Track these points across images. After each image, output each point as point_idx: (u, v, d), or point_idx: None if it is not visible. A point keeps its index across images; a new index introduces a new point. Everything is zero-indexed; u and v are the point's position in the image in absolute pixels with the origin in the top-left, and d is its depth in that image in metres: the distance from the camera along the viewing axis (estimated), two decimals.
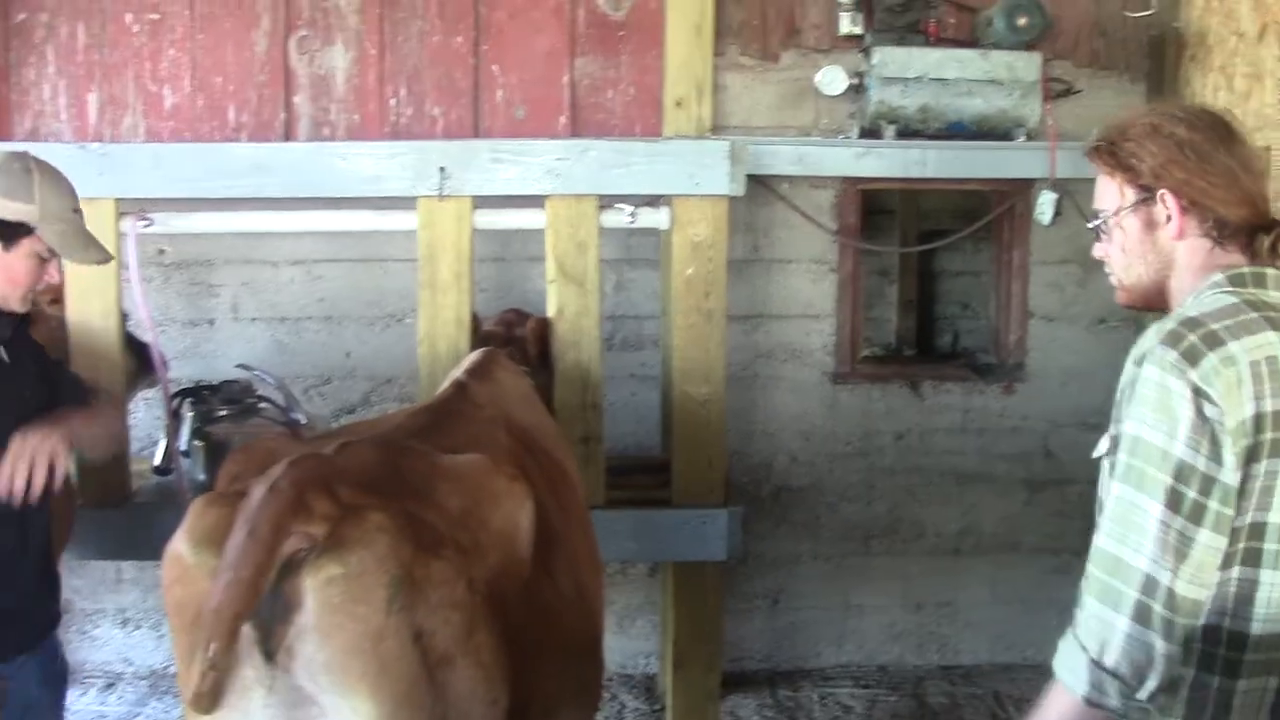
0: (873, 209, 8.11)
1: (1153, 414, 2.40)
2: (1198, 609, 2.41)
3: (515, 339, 5.04)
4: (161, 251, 5.92)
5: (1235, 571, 2.43)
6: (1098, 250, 2.78)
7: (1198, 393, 2.37)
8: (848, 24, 5.94)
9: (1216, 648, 2.47)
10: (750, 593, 6.44)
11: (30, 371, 3.85)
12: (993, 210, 6.40)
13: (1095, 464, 6.33)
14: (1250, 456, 2.39)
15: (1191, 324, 2.45)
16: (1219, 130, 2.62)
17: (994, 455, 6.44)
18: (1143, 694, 2.38)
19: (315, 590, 2.50)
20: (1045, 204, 6.00)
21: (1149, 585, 2.36)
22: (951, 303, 9.25)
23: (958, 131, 5.87)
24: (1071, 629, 2.48)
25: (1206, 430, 2.37)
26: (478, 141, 5.35)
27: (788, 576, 6.45)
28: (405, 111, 5.70)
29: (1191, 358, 2.40)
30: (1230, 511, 2.38)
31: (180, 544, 2.63)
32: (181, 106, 5.62)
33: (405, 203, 5.19)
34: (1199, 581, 2.39)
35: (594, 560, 3.83)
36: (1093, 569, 2.46)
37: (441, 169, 5.12)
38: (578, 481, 4.00)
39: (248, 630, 2.49)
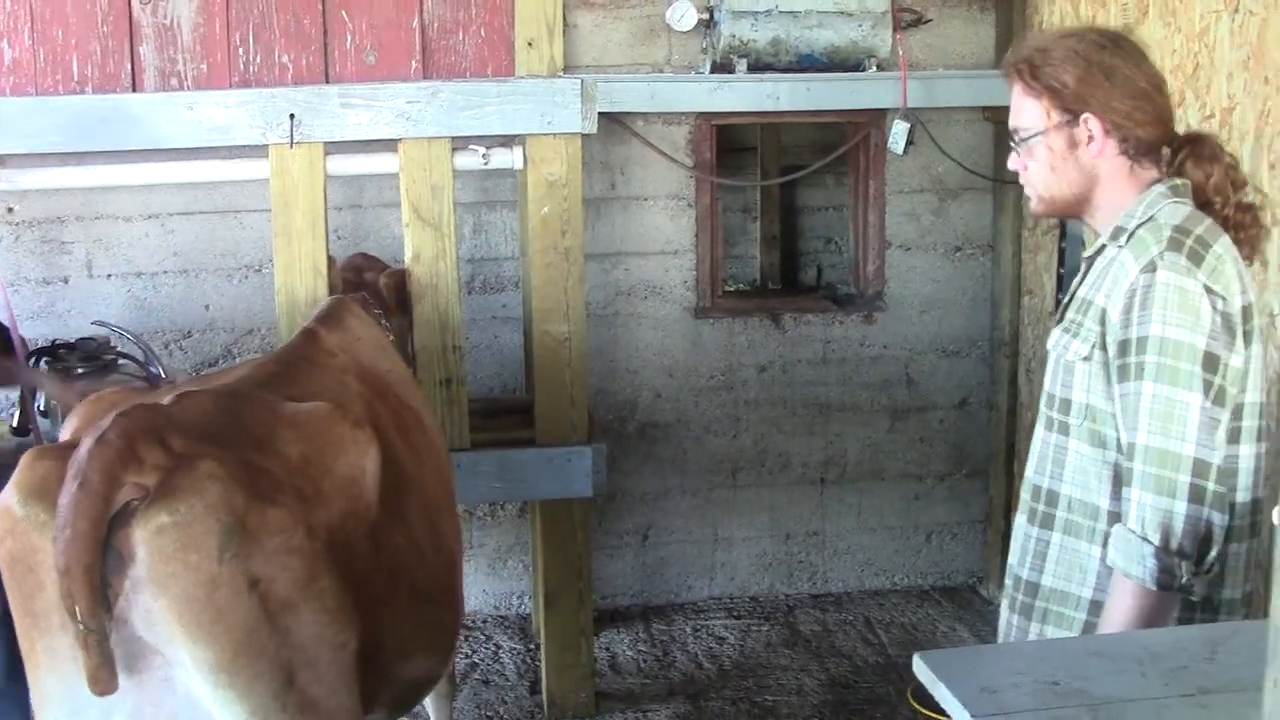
0: (734, 146, 8.16)
1: (1177, 314, 2.59)
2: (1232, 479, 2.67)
3: (366, 284, 5.02)
4: (10, 210, 5.80)
5: (1229, 448, 2.66)
6: (1013, 163, 2.94)
7: (1208, 290, 2.60)
8: None
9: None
10: (620, 529, 6.48)
11: None
12: (848, 142, 6.45)
13: (955, 390, 6.45)
14: (1244, 343, 2.65)
15: (1183, 230, 2.67)
16: (1133, 52, 2.81)
17: (856, 384, 6.51)
18: (1206, 565, 2.60)
19: (147, 540, 2.49)
20: (898, 134, 6.04)
21: (1200, 468, 2.59)
22: (814, 237, 9.32)
23: (809, 64, 5.89)
24: (1121, 529, 2.65)
25: (1221, 322, 2.60)
26: (327, 87, 5.29)
27: (656, 512, 6.49)
28: (254, 60, 5.62)
29: (1196, 259, 2.63)
30: (1235, 391, 2.64)
31: (9, 497, 2.61)
32: (22, 61, 5.49)
33: (257, 151, 5.14)
34: (1221, 455, 2.62)
35: (450, 505, 3.84)
36: (1141, 466, 2.61)
37: (291, 116, 5.07)
38: (434, 426, 4.00)
39: None
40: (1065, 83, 2.76)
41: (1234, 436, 2.67)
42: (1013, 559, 3.02)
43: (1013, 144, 2.91)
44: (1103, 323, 2.71)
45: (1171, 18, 4.70)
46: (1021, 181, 2.94)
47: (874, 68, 5.92)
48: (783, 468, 6.54)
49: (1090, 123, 2.76)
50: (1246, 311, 2.67)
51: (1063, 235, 5.73)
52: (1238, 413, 2.67)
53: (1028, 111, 2.84)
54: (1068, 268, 5.63)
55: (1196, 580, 2.61)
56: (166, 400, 2.81)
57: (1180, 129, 2.93)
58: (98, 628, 2.45)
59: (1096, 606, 2.79)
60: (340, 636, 2.83)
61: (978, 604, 6.62)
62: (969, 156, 6.31)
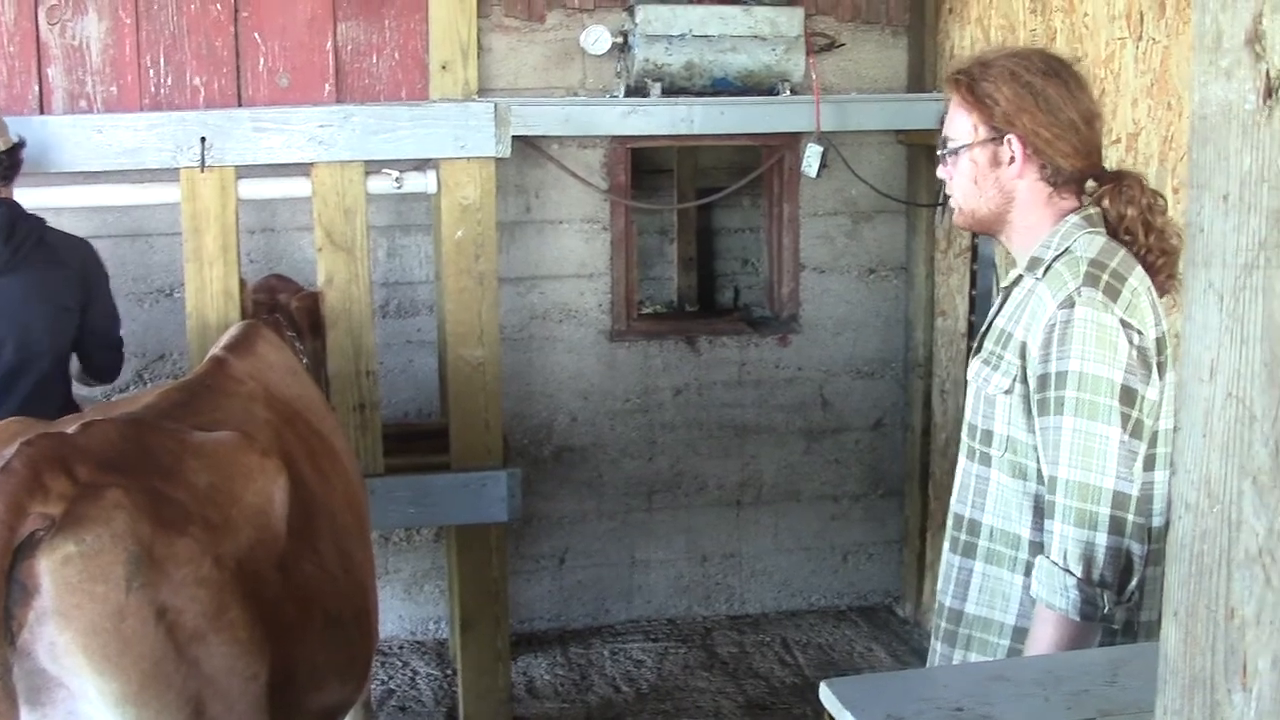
0: (650, 168, 8.18)
1: (1095, 349, 2.61)
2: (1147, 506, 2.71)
3: (279, 305, 5.00)
4: None
5: (1145, 475, 2.69)
6: (941, 172, 2.96)
7: (1125, 324, 2.63)
8: None
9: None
10: (537, 553, 6.46)
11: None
12: (762, 165, 6.48)
13: (870, 411, 6.48)
14: (1158, 374, 2.68)
15: (1098, 265, 2.69)
16: (1071, 82, 2.83)
17: (772, 406, 6.54)
18: (1127, 594, 2.65)
19: (52, 571, 2.47)
20: (812, 157, 6.07)
21: (1120, 500, 2.62)
22: (731, 259, 9.37)
23: (723, 88, 5.91)
24: (1044, 561, 2.67)
25: (1137, 356, 2.63)
26: (239, 110, 5.25)
27: (573, 535, 6.48)
28: (165, 82, 5.56)
29: (1112, 294, 2.65)
30: (1150, 422, 2.67)
31: None
32: None
33: (168, 174, 5.11)
34: (1139, 486, 2.67)
35: (363, 531, 3.82)
36: (1062, 499, 2.65)
37: (203, 139, 5.06)
38: (345, 452, 3.98)
39: None
40: (997, 100, 2.78)
41: (1149, 464, 2.70)
42: (938, 587, 3.05)
43: (940, 152, 2.94)
44: (1023, 356, 2.74)
45: (1079, 44, 4.77)
46: (947, 190, 2.98)
47: (787, 91, 5.96)
48: (699, 490, 6.56)
49: (1013, 144, 2.78)
50: (1160, 343, 2.70)
51: (974, 257, 5.79)
52: (1153, 440, 2.70)
53: (958, 123, 2.87)
54: (980, 289, 5.69)
55: (1118, 609, 2.65)
56: (72, 429, 2.78)
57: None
58: (0, 661, 2.42)
59: (1020, 633, 2.82)
60: (251, 667, 2.81)
61: (894, 624, 6.66)
62: (882, 179, 6.36)
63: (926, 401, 6.46)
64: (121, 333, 5.01)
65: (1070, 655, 2.56)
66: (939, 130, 2.95)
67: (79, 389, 5.07)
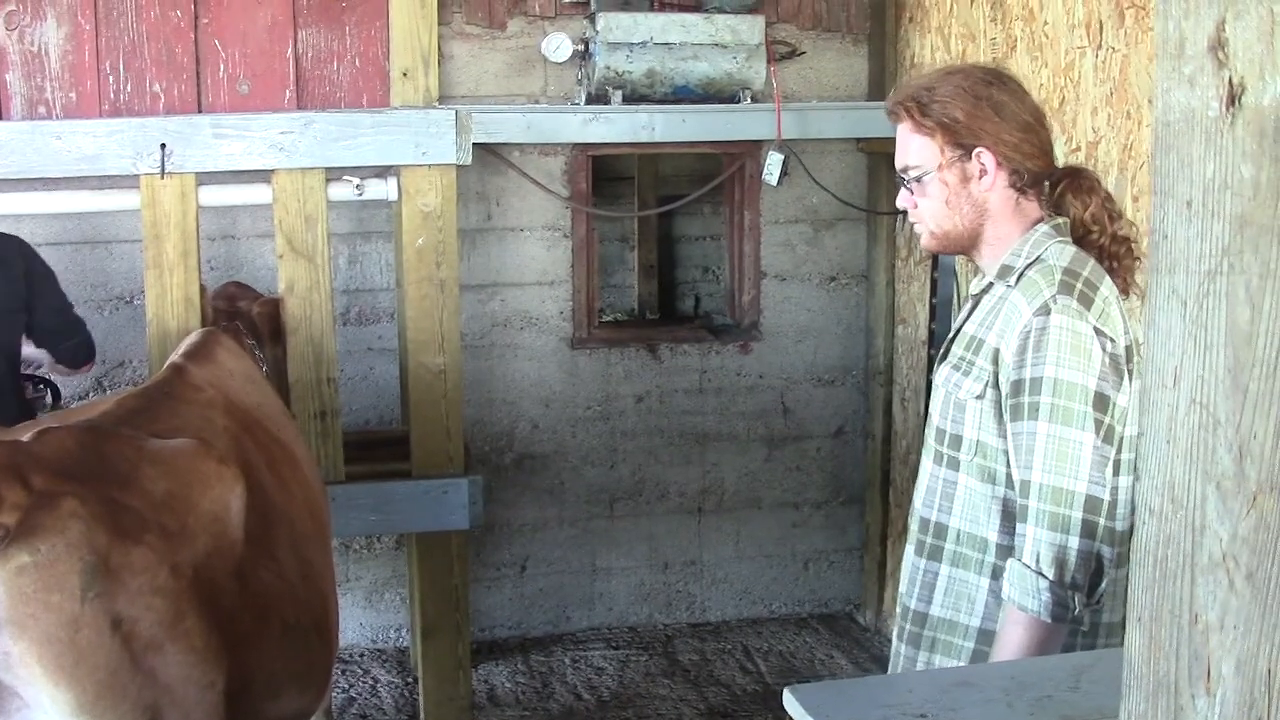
0: (612, 176, 8.18)
1: (1070, 356, 2.65)
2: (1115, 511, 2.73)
3: (239, 312, 4.98)
4: None
5: (1111, 480, 2.72)
6: (903, 200, 2.97)
7: (1098, 332, 2.67)
8: None
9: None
10: (498, 561, 6.44)
11: None
12: (723, 173, 6.49)
13: (831, 418, 6.48)
14: (1128, 381, 2.72)
15: (1072, 274, 2.73)
16: (1015, 88, 2.88)
17: (733, 414, 6.54)
18: (1096, 597, 2.69)
19: (6, 581, 2.44)
20: (773, 165, 6.08)
21: (1091, 504, 2.67)
22: (692, 267, 9.37)
23: (684, 95, 5.91)
24: (1016, 563, 2.70)
25: (1110, 363, 2.67)
26: (199, 117, 5.23)
27: (535, 543, 6.47)
28: (125, 88, 5.53)
29: (1086, 302, 2.69)
30: (1120, 428, 2.71)
31: None
32: None
33: (128, 181, 5.09)
34: (1109, 490, 2.70)
35: (323, 539, 3.81)
36: (1036, 503, 2.68)
37: (163, 145, 5.03)
38: (306, 459, 3.97)
39: None
40: (956, 118, 2.80)
41: (1116, 469, 2.73)
42: (902, 590, 3.07)
43: (902, 182, 2.93)
44: (995, 362, 2.77)
45: (1039, 52, 4.79)
46: (912, 219, 2.97)
47: (748, 99, 5.96)
48: (660, 497, 6.55)
49: (983, 156, 2.80)
50: (1129, 351, 2.74)
51: (935, 265, 5.80)
52: (1119, 445, 2.73)
53: (919, 149, 2.87)
54: (940, 297, 5.70)
55: (1086, 611, 2.69)
56: (26, 436, 2.76)
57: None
58: None
59: (984, 635, 2.84)
60: (207, 676, 2.79)
61: (855, 631, 6.66)
62: (843, 187, 6.37)
63: (887, 409, 6.47)
64: (79, 314, 4.94)
65: (1035, 661, 2.57)
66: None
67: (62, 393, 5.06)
